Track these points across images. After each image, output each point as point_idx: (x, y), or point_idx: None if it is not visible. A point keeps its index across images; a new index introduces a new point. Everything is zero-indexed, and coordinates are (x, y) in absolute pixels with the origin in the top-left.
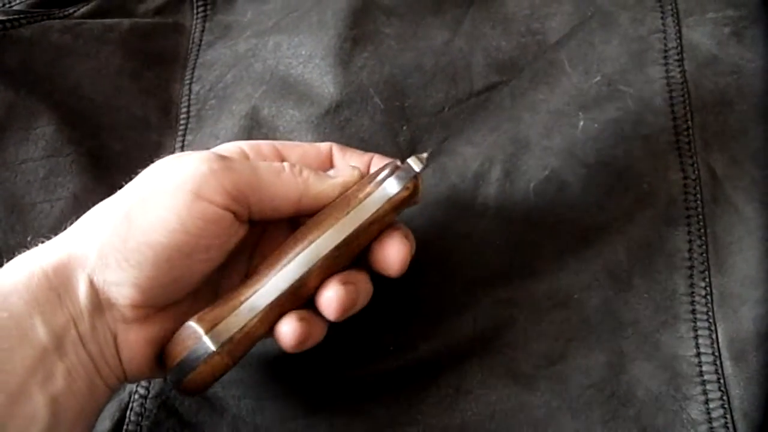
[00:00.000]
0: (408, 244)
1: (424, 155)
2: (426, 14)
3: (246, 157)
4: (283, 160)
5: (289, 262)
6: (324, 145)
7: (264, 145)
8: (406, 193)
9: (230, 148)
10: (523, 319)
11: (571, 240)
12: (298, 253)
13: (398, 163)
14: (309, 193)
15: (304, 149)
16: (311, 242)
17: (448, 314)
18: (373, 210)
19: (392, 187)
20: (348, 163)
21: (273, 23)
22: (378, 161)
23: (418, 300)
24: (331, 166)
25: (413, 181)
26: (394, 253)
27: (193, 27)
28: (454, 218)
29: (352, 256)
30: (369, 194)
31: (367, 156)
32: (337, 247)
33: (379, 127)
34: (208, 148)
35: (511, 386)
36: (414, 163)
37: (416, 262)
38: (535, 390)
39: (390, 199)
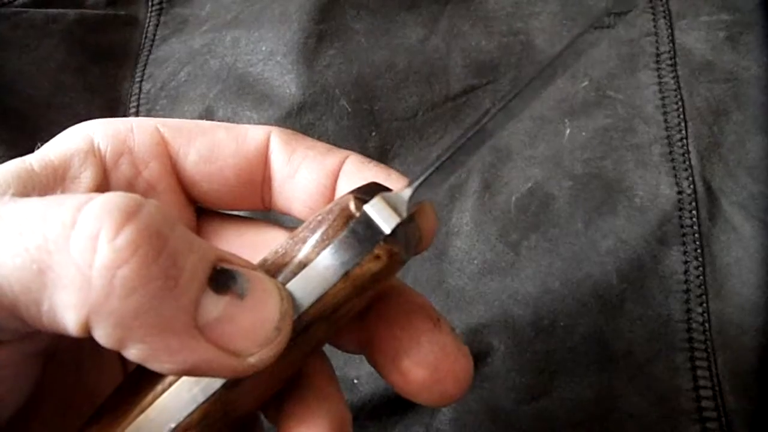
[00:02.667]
0: None
1: (406, 194)
2: (400, 9)
3: (95, 160)
4: (170, 157)
5: (156, 397)
6: (256, 133)
7: (141, 131)
8: (373, 268)
9: (73, 143)
10: (503, 349)
11: (556, 260)
12: (171, 383)
13: (351, 206)
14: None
15: (214, 140)
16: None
17: None
18: (306, 306)
19: (339, 262)
20: (297, 168)
21: (232, 17)
22: (355, 166)
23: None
24: (265, 171)
25: (385, 248)
26: None
27: (148, 20)
28: None
29: (291, 371)
30: (299, 269)
31: (334, 157)
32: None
33: (345, 132)
34: None
35: (489, 424)
36: (379, 215)
37: None
38: (516, 428)
39: (334, 285)
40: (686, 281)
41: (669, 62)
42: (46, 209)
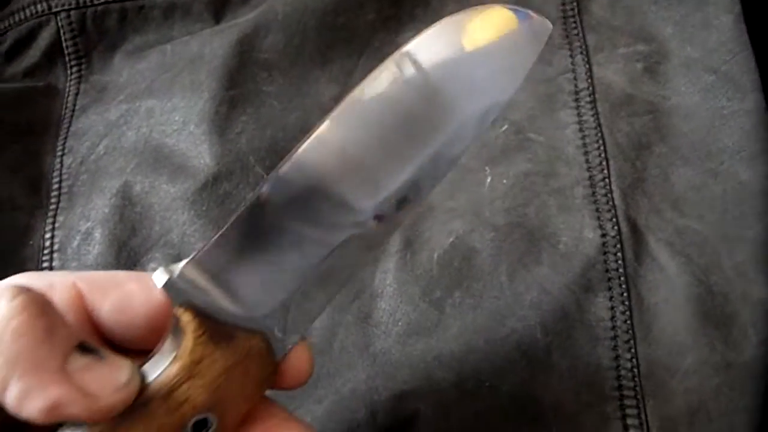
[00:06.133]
0: None
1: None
2: (313, 67)
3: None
4: (86, 310)
5: None
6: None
7: (61, 287)
8: (189, 345)
9: None
10: (429, 414)
11: (479, 317)
12: None
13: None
14: None
15: (126, 292)
16: None
17: (342, 412)
18: (149, 380)
19: (167, 352)
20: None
21: (146, 86)
22: None
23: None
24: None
25: (181, 311)
26: None
27: (67, 90)
28: (348, 300)
29: None
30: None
31: None
32: None
33: None
34: (79, 232)
35: None
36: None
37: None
38: None
39: (167, 366)
40: (613, 327)
41: (588, 99)
42: None
